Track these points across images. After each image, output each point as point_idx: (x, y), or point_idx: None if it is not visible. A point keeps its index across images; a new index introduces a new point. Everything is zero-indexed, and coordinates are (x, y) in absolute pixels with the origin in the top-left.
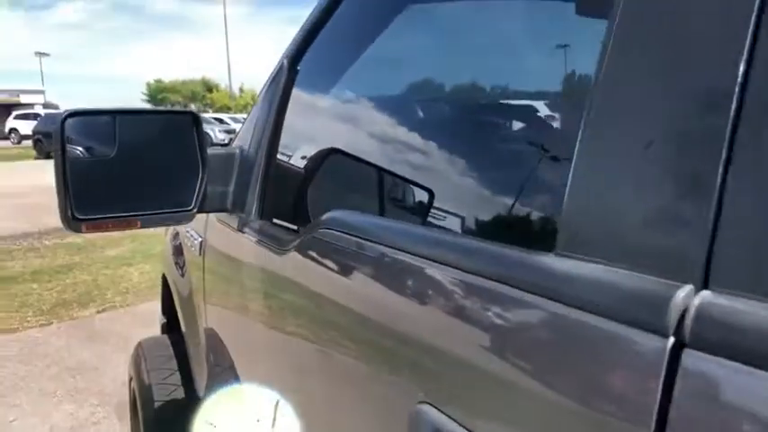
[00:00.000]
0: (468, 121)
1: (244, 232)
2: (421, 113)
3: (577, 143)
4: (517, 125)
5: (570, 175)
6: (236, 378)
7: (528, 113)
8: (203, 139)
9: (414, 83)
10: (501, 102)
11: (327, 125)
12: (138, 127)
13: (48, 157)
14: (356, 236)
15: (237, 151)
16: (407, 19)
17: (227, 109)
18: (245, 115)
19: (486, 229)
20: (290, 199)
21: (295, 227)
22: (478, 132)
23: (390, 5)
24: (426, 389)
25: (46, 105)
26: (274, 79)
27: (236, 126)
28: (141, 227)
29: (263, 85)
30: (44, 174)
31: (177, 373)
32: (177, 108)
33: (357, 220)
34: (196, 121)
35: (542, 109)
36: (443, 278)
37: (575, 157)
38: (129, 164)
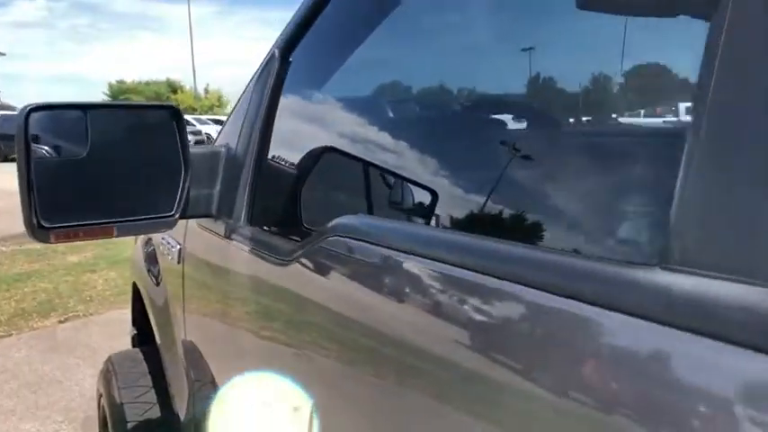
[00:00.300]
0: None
1: (232, 239)
2: (431, 109)
3: (690, 139)
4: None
5: (681, 176)
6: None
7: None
8: (185, 136)
9: (422, 76)
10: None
11: (324, 121)
12: (113, 123)
13: (6, 160)
14: (376, 244)
15: (223, 150)
16: (414, 6)
17: (192, 110)
18: (210, 116)
19: (557, 237)
20: (284, 203)
21: (295, 235)
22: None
23: None
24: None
25: (0, 106)
26: (264, 71)
27: (202, 128)
28: (117, 235)
29: (250, 78)
30: (2, 175)
31: (152, 390)
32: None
33: (374, 226)
34: (177, 115)
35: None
36: (507, 295)
37: (686, 155)
38: (102, 164)
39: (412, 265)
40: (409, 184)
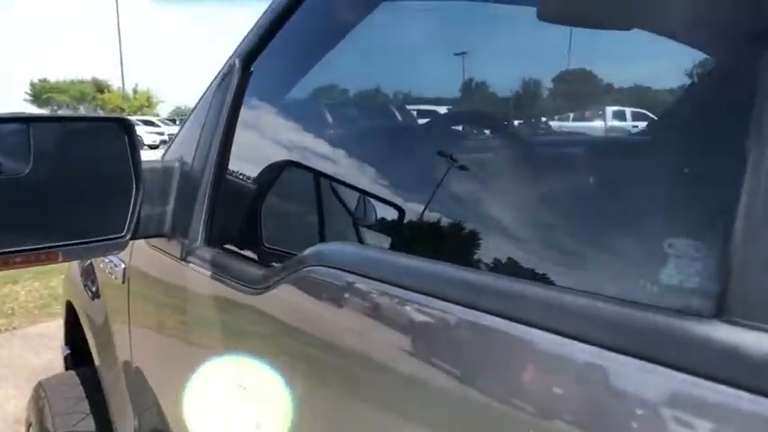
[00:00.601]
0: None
1: (189, 262)
2: (402, 120)
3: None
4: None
5: (743, 208)
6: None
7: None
8: (137, 151)
9: (391, 86)
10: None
11: (287, 134)
12: (58, 137)
13: None
14: (367, 276)
15: (177, 165)
16: (382, 17)
17: (120, 111)
18: (139, 117)
19: (581, 275)
20: (246, 221)
21: (258, 257)
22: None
23: (364, 1)
24: None
25: None
26: (223, 81)
27: (166, 129)
28: (62, 260)
29: (208, 86)
30: None
31: (90, 417)
32: (70, 110)
33: (360, 255)
34: (128, 129)
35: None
36: (517, 340)
37: (748, 182)
38: (46, 182)
39: (409, 300)
40: (374, 200)
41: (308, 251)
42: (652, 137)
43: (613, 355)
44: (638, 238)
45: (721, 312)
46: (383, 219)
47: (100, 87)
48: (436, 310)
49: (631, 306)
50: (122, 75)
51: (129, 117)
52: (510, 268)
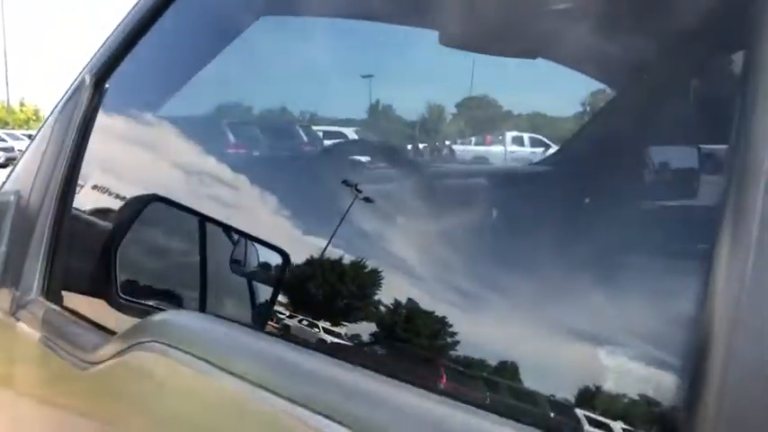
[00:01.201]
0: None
1: (18, 319)
2: (281, 147)
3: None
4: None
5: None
6: None
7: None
8: None
9: (268, 108)
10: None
11: (149, 163)
12: None
13: None
14: (207, 360)
15: (11, 198)
16: (259, 34)
17: (3, 124)
18: (24, 131)
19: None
20: (95, 269)
21: (109, 315)
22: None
23: (240, 16)
24: None
25: None
26: (70, 101)
27: (15, 144)
28: None
29: (53, 108)
30: None
31: None
32: None
33: (206, 331)
34: None
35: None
36: None
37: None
38: None
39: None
40: (253, 242)
41: (147, 321)
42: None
43: None
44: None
45: None
46: (266, 266)
47: None
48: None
49: None
50: (7, 86)
51: (14, 131)
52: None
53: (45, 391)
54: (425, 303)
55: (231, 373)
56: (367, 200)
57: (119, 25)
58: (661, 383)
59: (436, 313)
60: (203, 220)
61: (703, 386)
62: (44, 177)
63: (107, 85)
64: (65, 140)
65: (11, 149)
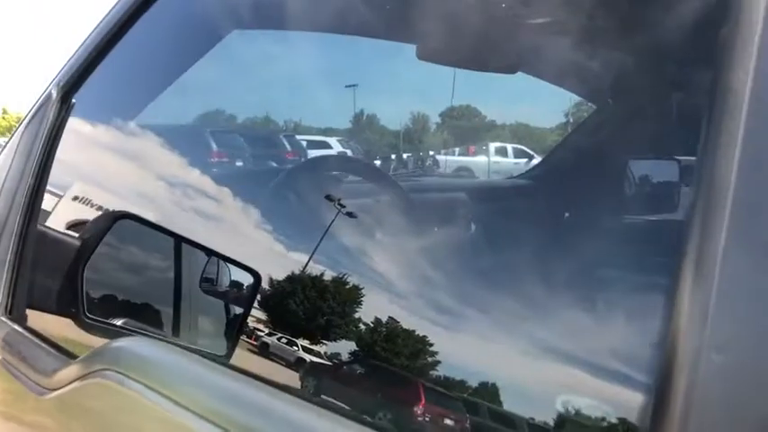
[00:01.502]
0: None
1: None
2: (256, 161)
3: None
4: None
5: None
6: None
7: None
8: None
9: (241, 121)
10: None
11: (117, 179)
12: None
13: None
14: (161, 393)
15: None
16: (229, 48)
17: None
18: (7, 139)
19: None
20: (61, 287)
21: (73, 334)
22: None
23: (211, 31)
24: None
25: None
26: (37, 114)
27: None
28: None
29: (19, 123)
30: None
31: None
32: None
33: (160, 361)
34: None
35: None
36: None
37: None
38: None
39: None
40: (224, 261)
41: (105, 347)
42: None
43: None
44: None
45: None
46: (237, 287)
47: None
48: None
49: None
50: None
51: None
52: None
53: (2, 417)
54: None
55: (181, 405)
56: (350, 215)
57: (84, 41)
58: (627, 402)
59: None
60: (173, 237)
61: (668, 405)
62: (9, 192)
63: (74, 100)
64: (31, 155)
65: None
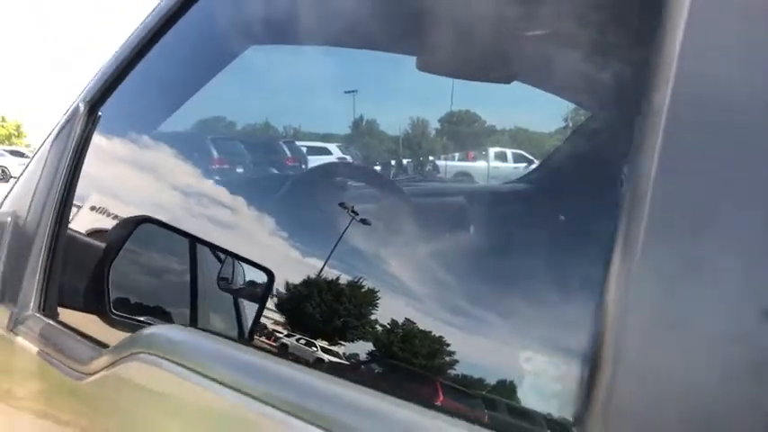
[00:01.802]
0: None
1: (17, 334)
2: (269, 172)
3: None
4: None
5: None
6: None
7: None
8: None
9: (259, 134)
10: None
11: (141, 186)
12: None
13: None
14: (196, 371)
15: (9, 219)
16: (247, 62)
17: None
18: (6, 147)
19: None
20: (89, 286)
21: (101, 329)
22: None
23: (230, 47)
24: None
25: None
26: (65, 127)
27: None
28: None
29: (48, 134)
30: None
31: None
32: None
33: (195, 345)
34: None
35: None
36: None
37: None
38: None
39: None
40: (241, 262)
41: (138, 334)
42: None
43: None
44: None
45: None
46: (252, 285)
47: None
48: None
49: None
50: None
51: None
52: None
53: (42, 402)
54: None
55: (213, 380)
56: (364, 221)
57: (111, 56)
58: (556, 387)
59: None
60: (192, 239)
61: (594, 389)
62: (40, 200)
63: (100, 113)
64: (60, 165)
65: None
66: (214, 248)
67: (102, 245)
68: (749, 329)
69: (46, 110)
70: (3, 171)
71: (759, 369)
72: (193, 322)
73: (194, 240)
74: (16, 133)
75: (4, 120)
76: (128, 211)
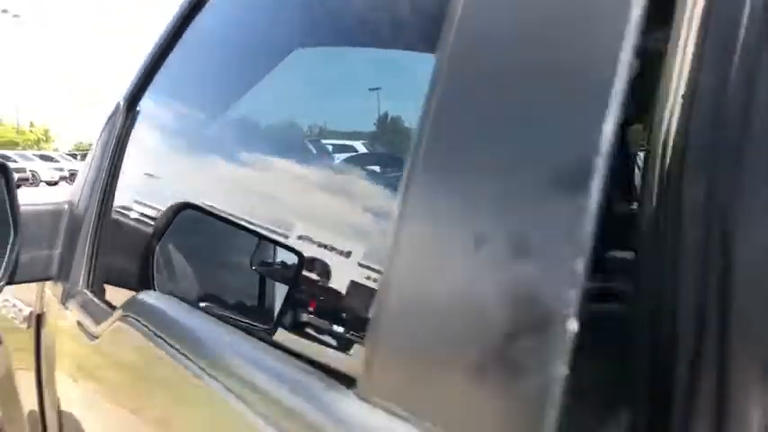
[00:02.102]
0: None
1: (67, 307)
2: (301, 164)
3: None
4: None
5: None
6: None
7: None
8: (14, 195)
9: (295, 129)
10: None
11: (185, 176)
12: None
13: None
14: (155, 333)
15: (66, 207)
16: (292, 63)
17: (13, 145)
18: (36, 152)
19: None
20: (139, 266)
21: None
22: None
23: (277, 48)
24: None
25: None
26: (108, 123)
27: (27, 164)
28: None
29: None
30: None
31: None
32: None
33: (162, 308)
34: (4, 171)
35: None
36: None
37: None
38: None
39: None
40: (275, 245)
41: (127, 300)
42: None
43: None
44: None
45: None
46: (282, 265)
47: None
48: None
49: None
50: (17, 106)
51: (25, 152)
52: None
53: (74, 364)
54: None
55: (177, 350)
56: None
57: (149, 53)
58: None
59: None
60: (231, 224)
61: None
62: (89, 189)
63: (138, 108)
64: (104, 156)
65: (23, 170)
66: (251, 232)
67: (144, 228)
68: (501, 258)
69: (71, 117)
70: (33, 175)
71: (513, 298)
72: (226, 302)
73: (232, 225)
74: (44, 138)
75: (32, 125)
76: (168, 198)
